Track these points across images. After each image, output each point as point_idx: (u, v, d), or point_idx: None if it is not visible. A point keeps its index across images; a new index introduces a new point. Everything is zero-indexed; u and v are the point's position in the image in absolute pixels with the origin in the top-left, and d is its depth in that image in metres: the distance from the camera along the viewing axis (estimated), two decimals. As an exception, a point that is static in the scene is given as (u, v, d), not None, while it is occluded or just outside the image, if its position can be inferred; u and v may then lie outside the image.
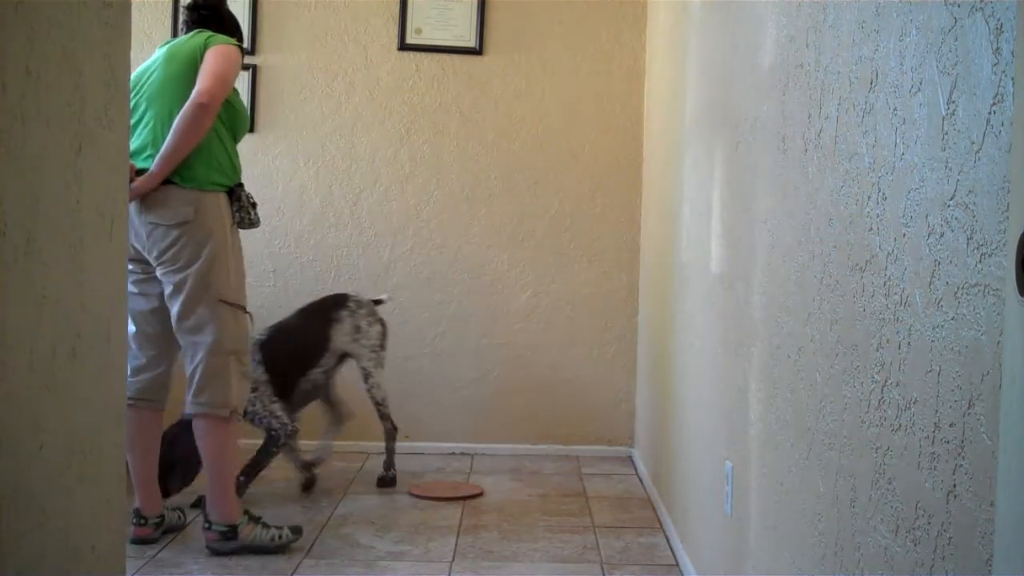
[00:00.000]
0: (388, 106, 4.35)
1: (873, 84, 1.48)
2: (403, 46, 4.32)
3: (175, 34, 4.27)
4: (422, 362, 4.38)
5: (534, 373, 4.40)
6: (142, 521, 3.04)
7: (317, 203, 4.32)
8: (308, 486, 3.72)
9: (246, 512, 2.98)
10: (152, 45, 4.26)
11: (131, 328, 3.02)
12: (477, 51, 4.34)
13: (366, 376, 3.78)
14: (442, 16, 4.33)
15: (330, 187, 4.33)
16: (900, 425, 1.35)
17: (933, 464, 1.24)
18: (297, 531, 3.02)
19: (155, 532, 3.05)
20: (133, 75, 3.04)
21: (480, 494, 3.71)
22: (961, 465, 1.16)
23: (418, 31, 4.33)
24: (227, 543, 2.93)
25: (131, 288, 3.00)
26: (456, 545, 3.12)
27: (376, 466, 4.07)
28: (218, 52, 2.93)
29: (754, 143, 2.23)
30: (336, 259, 4.35)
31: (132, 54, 1.51)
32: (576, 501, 3.68)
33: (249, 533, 2.94)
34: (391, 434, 3.86)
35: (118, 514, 1.53)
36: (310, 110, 4.32)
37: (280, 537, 2.97)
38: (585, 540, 3.20)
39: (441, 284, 4.38)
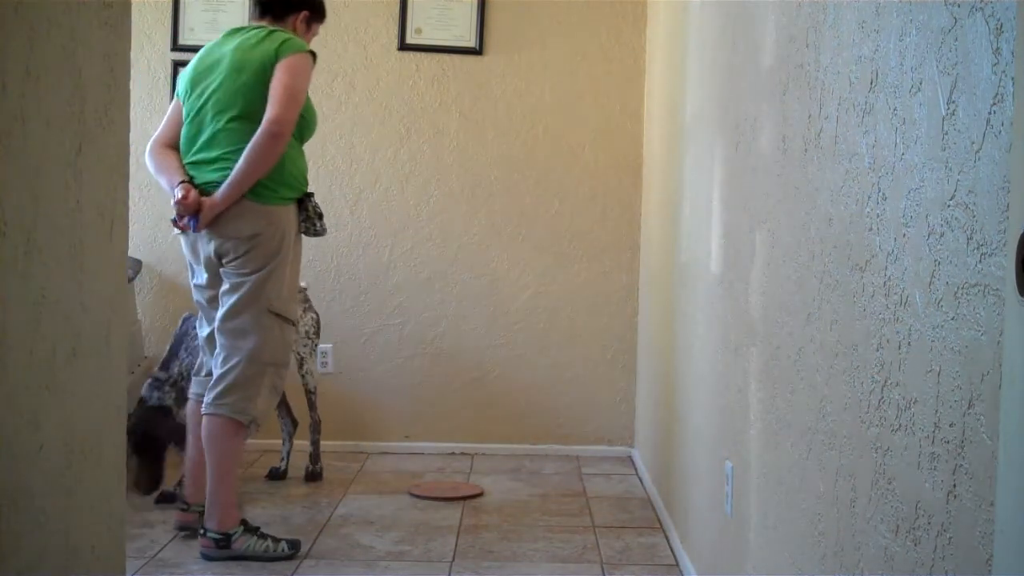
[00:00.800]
0: (388, 106, 4.35)
1: (873, 84, 1.48)
2: (403, 46, 4.32)
3: (175, 35, 4.27)
4: (422, 362, 4.38)
5: (534, 373, 4.40)
6: (186, 507, 3.10)
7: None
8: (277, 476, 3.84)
9: (243, 522, 2.95)
10: (152, 45, 4.27)
11: (207, 330, 3.03)
12: (477, 51, 4.34)
13: (300, 363, 3.79)
14: (442, 16, 4.33)
15: (330, 187, 4.33)
16: (900, 425, 1.35)
17: (933, 464, 1.24)
18: (295, 545, 2.97)
19: (197, 520, 3.05)
20: (193, 60, 3.02)
21: (480, 494, 3.71)
22: (961, 465, 1.16)
23: (418, 31, 4.33)
24: (220, 551, 2.91)
25: (205, 304, 3.02)
26: (456, 545, 3.12)
27: (377, 466, 4.08)
28: (288, 68, 2.86)
29: (754, 143, 2.23)
30: (336, 259, 4.35)
31: (132, 54, 1.51)
32: (576, 501, 3.67)
33: (243, 544, 2.91)
34: (317, 427, 3.89)
35: (118, 514, 1.53)
36: (310, 110, 4.32)
37: (276, 549, 2.94)
38: (585, 540, 3.20)
39: (441, 284, 4.38)
